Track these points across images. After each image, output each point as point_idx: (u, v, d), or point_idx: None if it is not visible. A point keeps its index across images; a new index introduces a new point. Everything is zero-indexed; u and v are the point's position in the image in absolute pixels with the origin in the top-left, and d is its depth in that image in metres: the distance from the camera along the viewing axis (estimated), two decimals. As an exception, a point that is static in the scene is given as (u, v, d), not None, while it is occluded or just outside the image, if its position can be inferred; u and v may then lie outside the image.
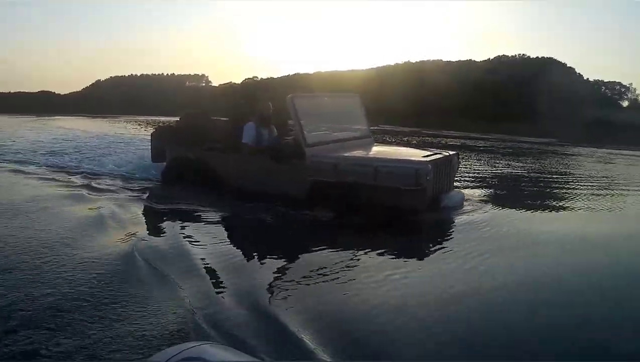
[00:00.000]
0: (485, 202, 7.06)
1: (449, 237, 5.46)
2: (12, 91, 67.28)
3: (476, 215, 6.20)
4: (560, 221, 6.78)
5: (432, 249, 4.99)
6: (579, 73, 50.68)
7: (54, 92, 67.09)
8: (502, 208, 6.96)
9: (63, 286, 3.46)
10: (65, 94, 66.34)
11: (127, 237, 4.86)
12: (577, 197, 8.41)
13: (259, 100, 7.25)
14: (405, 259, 4.61)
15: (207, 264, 4.13)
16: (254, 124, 6.76)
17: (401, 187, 5.75)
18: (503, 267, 4.38)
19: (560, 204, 8.00)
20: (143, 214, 6.15)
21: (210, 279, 3.81)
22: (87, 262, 3.97)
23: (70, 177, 8.28)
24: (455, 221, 5.98)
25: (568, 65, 50.62)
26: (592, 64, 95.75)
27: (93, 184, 7.61)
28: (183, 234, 5.13)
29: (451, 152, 6.88)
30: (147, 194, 7.06)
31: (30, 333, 2.78)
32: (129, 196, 6.96)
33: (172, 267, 3.98)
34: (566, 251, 4.99)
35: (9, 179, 8.21)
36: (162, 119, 19.98)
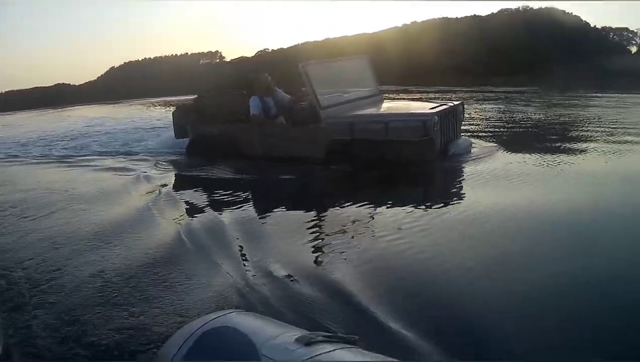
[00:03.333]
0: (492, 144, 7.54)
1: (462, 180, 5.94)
2: (28, 87, 68.49)
3: (485, 158, 6.62)
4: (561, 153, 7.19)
5: (451, 192, 5.43)
6: (585, 21, 49.41)
7: (70, 84, 68.41)
8: (505, 149, 7.34)
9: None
10: (80, 85, 67.62)
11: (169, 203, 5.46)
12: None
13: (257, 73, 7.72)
14: (426, 204, 4.84)
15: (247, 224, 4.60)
16: (257, 96, 7.24)
17: (411, 140, 6.23)
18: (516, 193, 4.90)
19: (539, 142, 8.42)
20: (177, 181, 6.82)
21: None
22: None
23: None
24: (465, 165, 6.43)
25: (574, 14, 49.39)
26: (600, 9, 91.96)
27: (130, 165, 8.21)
28: (216, 197, 5.71)
29: (456, 102, 7.27)
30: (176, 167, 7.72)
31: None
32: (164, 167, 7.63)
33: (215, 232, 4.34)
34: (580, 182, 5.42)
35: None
36: (181, 98, 20.43)
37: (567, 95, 19.20)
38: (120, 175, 7.19)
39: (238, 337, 1.23)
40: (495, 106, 14.85)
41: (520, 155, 6.96)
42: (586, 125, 10.29)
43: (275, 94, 7.39)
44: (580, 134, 9.07)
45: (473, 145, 7.25)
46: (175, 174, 7.23)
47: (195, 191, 6.08)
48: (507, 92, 21.08)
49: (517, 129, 10.10)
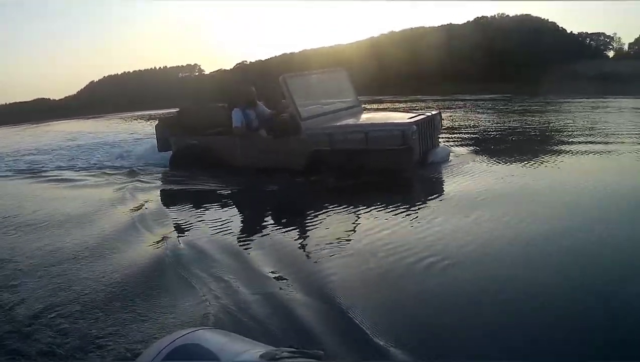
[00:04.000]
0: (469, 153, 7.72)
1: (439, 187, 6.14)
2: (7, 103, 67.92)
3: (462, 166, 6.79)
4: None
5: (426, 198, 5.55)
6: (561, 27, 50.52)
7: (50, 98, 67.89)
8: (483, 157, 7.55)
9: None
10: (61, 99, 67.21)
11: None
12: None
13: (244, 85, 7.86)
14: (406, 210, 4.99)
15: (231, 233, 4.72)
16: (239, 108, 7.34)
17: (390, 148, 6.37)
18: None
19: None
20: (161, 195, 6.89)
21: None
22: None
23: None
24: (443, 173, 6.59)
25: (550, 20, 50.53)
26: (575, 17, 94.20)
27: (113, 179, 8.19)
28: (201, 209, 5.78)
29: (434, 112, 7.45)
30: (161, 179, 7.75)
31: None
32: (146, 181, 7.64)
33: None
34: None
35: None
36: (160, 111, 20.45)
37: (535, 101, 19.80)
38: (104, 189, 7.20)
39: (205, 355, 1.25)
40: (453, 115, 15.22)
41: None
42: (531, 131, 10.82)
43: (257, 107, 7.49)
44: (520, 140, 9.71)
45: (451, 153, 7.42)
46: (160, 188, 7.25)
47: (180, 204, 6.12)
48: (479, 99, 21.45)
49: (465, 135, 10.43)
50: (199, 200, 6.27)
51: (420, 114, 7.06)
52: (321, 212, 5.21)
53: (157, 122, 9.11)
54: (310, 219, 5.08)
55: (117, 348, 2.67)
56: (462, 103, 19.82)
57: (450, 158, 7.23)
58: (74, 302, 3.27)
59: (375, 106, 15.82)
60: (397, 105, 18.43)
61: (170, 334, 1.36)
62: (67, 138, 15.17)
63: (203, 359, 1.24)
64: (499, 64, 39.97)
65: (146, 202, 6.12)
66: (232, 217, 5.31)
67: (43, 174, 8.98)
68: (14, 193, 7.67)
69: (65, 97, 68.19)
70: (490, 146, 9.15)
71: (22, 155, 11.72)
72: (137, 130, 16.14)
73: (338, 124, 6.96)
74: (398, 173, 6.39)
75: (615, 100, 18.14)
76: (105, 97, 54.20)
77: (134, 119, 23.90)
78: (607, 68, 34.35)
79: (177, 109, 9.37)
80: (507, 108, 17.42)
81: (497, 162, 7.16)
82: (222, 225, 4.90)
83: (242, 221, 5.38)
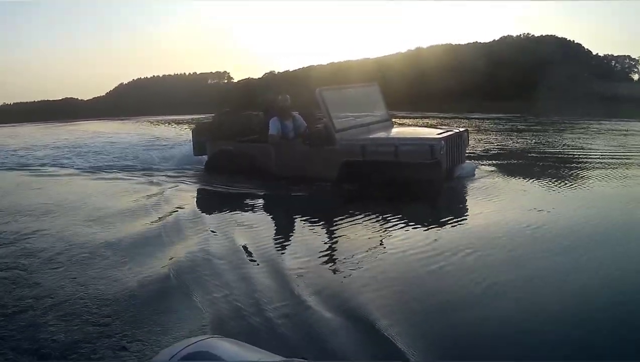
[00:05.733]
0: (494, 170, 8.02)
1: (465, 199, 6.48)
2: (36, 100, 69.25)
3: (486, 181, 7.10)
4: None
5: (452, 210, 5.89)
6: (587, 49, 50.42)
7: (78, 99, 69.24)
8: (507, 174, 7.85)
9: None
10: (89, 100, 68.53)
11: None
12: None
13: (279, 94, 8.20)
14: (432, 220, 5.32)
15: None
16: (277, 117, 7.70)
17: (419, 162, 6.70)
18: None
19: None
20: (199, 195, 7.38)
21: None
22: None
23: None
24: (468, 187, 6.90)
25: (575, 42, 50.44)
26: (601, 39, 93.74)
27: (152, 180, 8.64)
28: (236, 210, 6.20)
29: (461, 129, 7.77)
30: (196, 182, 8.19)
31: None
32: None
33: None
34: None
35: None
36: (188, 117, 20.99)
37: (538, 121, 20.03)
38: (140, 189, 7.65)
39: None
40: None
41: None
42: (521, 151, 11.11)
43: (295, 118, 7.87)
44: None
45: (477, 169, 7.73)
46: (197, 189, 7.68)
47: (216, 204, 6.59)
48: (487, 118, 21.61)
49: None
50: (232, 201, 6.72)
51: (448, 131, 7.38)
52: (349, 218, 5.50)
53: (193, 127, 9.53)
54: (340, 224, 5.36)
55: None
56: (465, 121, 20.04)
57: (475, 173, 7.52)
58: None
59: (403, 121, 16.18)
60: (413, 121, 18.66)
61: (181, 341, 1.37)
62: (107, 141, 15.64)
63: None
64: (513, 83, 39.95)
65: (179, 208, 6.33)
66: (260, 219, 5.74)
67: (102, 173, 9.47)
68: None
69: (94, 98, 69.45)
70: (510, 162, 9.54)
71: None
72: (165, 135, 16.73)
73: (370, 136, 7.31)
74: (425, 185, 6.71)
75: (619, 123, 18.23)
76: (134, 99, 55.09)
77: (161, 123, 24.51)
78: (625, 90, 34.05)
79: (212, 115, 9.79)
80: (513, 127, 17.58)
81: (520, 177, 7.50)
82: (252, 225, 5.34)
83: (271, 222, 5.78)
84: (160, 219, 5.68)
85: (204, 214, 6.04)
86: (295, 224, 5.67)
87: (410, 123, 15.71)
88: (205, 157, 8.72)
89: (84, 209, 6.35)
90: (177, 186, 7.74)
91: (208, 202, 7.03)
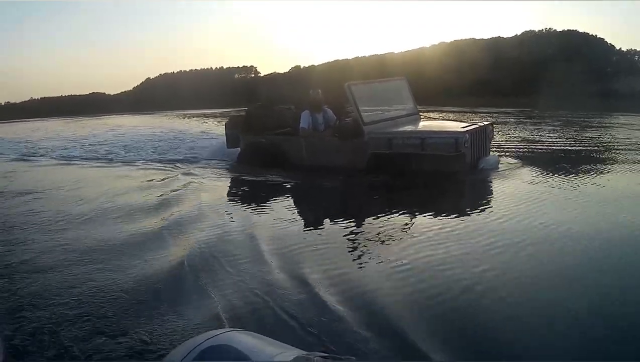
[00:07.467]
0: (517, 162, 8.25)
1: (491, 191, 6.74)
2: (64, 95, 70.44)
3: (510, 173, 7.35)
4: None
5: (481, 201, 6.13)
6: (610, 44, 49.45)
7: (105, 93, 70.28)
8: (531, 166, 8.02)
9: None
10: (116, 94, 69.51)
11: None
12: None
13: (310, 89, 8.51)
14: (460, 210, 5.53)
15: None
16: (308, 111, 8.05)
17: (445, 154, 7.01)
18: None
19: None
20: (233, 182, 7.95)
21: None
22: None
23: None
24: (492, 179, 7.18)
25: (598, 37, 49.54)
26: (624, 34, 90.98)
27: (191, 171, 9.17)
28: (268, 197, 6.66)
29: (486, 123, 8.03)
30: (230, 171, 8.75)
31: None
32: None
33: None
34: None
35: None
36: (217, 111, 21.48)
37: (545, 115, 19.99)
38: (181, 178, 8.15)
39: (236, 356, 1.26)
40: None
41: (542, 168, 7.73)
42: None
43: (325, 112, 8.22)
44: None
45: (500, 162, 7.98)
46: (231, 179, 8.13)
47: (250, 192, 7.15)
48: (497, 112, 21.58)
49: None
50: (264, 190, 7.19)
51: (473, 124, 7.65)
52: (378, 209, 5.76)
53: (226, 120, 9.96)
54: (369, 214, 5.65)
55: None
56: (483, 115, 20.08)
57: (500, 166, 7.77)
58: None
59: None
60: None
61: (201, 334, 1.39)
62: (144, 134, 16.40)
63: (234, 360, 1.26)
64: (529, 78, 39.50)
65: (219, 196, 6.96)
66: (291, 208, 6.14)
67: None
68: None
69: (121, 93, 70.35)
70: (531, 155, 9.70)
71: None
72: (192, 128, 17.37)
73: (397, 129, 7.63)
74: (450, 176, 7.01)
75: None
76: (161, 94, 55.71)
77: (188, 117, 25.10)
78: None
79: (246, 109, 10.21)
80: (539, 121, 17.64)
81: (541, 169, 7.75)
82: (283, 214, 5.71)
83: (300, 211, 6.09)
84: (201, 203, 6.27)
85: (239, 202, 6.52)
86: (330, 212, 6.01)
87: (438, 117, 15.95)
88: (238, 150, 9.14)
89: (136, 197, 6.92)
90: (212, 176, 8.23)
91: (246, 191, 7.46)
